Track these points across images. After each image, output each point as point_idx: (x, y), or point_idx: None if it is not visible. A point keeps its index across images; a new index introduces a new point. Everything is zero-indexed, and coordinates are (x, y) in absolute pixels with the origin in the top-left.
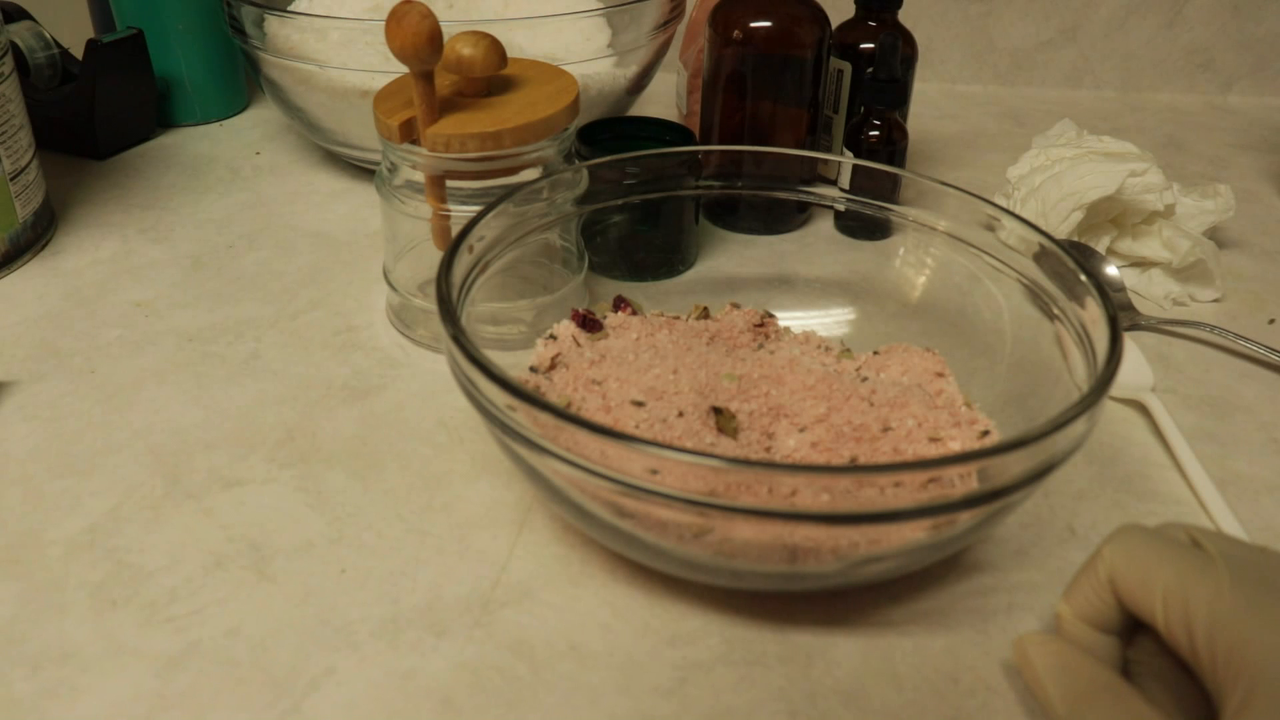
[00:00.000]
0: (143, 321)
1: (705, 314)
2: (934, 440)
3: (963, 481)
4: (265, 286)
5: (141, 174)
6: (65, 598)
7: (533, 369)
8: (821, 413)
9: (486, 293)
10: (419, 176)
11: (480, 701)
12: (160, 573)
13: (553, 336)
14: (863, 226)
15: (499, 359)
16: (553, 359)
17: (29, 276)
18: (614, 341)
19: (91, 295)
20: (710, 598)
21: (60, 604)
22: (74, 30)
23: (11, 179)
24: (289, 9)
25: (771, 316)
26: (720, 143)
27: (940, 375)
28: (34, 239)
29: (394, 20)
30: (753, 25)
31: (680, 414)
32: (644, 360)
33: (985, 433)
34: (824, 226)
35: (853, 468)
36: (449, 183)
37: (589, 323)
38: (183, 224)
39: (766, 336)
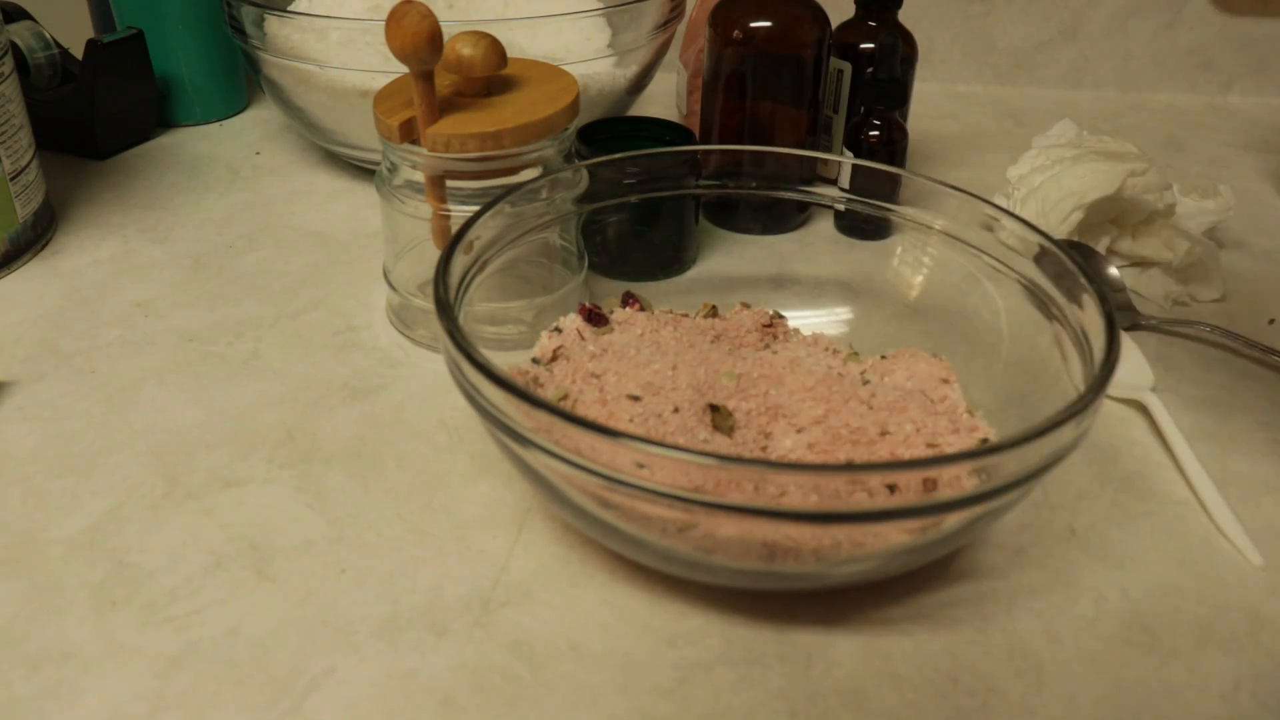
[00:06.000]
0: (143, 321)
1: (714, 312)
2: (931, 446)
3: (952, 485)
4: (265, 286)
5: (141, 174)
6: (65, 598)
7: (535, 360)
8: (819, 414)
9: (486, 293)
10: (419, 176)
11: (480, 701)
12: (160, 573)
13: (558, 329)
14: (862, 226)
15: (498, 359)
16: (555, 351)
17: (29, 276)
18: (618, 336)
19: (91, 295)
20: (710, 598)
21: (60, 604)
22: (74, 30)
23: (11, 179)
24: (289, 9)
25: (781, 317)
26: (720, 143)
27: (945, 381)
28: (34, 239)
29: (394, 20)
30: (753, 25)
31: (675, 410)
32: (644, 355)
33: (984, 440)
34: (824, 226)
35: (839, 466)
36: (449, 183)
37: (595, 317)
38: (183, 224)
39: (774, 337)
